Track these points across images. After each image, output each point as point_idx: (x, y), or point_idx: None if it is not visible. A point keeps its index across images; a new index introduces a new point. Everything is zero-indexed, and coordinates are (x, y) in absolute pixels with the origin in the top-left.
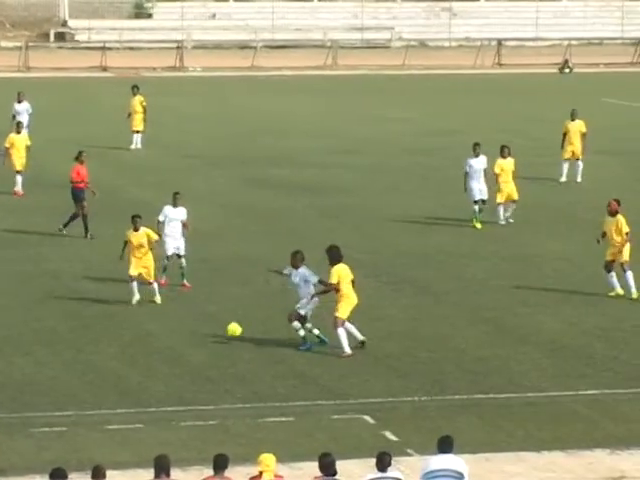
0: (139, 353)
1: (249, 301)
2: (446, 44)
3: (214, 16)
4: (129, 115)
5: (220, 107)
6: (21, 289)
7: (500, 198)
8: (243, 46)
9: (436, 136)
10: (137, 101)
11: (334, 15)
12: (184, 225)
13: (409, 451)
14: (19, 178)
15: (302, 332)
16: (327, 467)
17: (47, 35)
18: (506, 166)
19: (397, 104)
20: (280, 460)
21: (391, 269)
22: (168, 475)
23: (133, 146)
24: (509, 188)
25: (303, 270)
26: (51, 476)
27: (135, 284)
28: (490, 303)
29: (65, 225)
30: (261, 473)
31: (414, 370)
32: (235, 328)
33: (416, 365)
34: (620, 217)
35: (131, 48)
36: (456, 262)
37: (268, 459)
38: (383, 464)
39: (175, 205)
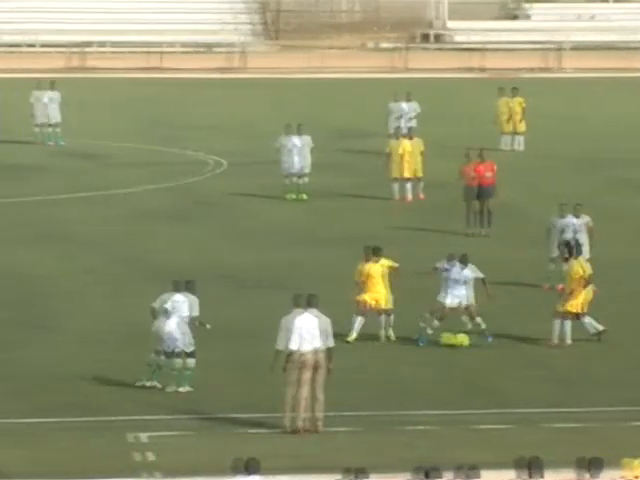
0: (503, 355)
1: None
2: None
3: (593, 17)
4: (509, 118)
5: (591, 109)
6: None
7: None
8: (613, 47)
9: None
10: (516, 102)
11: None
12: None
13: None
14: (408, 186)
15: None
16: None
17: (426, 36)
18: None
19: None
20: None
21: None
22: (542, 476)
23: (515, 147)
24: None
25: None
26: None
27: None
28: None
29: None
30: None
31: None
32: (448, 338)
33: None
34: None
35: (506, 49)
36: None
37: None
38: None
39: None
